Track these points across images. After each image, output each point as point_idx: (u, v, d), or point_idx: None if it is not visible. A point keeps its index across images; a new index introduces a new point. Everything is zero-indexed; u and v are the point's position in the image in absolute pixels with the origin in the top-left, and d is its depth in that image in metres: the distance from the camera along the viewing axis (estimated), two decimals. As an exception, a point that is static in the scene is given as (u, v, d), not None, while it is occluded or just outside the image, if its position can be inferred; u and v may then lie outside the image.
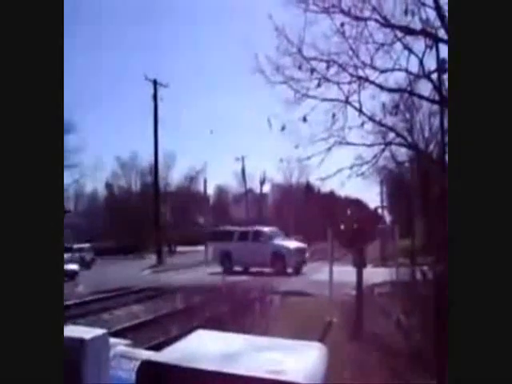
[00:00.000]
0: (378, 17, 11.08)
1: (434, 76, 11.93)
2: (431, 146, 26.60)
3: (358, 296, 10.69)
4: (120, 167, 61.73)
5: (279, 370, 1.81)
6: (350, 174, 12.57)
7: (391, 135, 14.47)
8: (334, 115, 11.62)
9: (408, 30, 10.82)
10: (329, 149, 12.05)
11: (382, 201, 43.99)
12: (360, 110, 12.02)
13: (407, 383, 6.75)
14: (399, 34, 11.14)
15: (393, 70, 11.74)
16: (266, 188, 71.31)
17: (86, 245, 40.11)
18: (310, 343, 2.28)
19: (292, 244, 27.57)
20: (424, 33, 10.53)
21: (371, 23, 11.21)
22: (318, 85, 11.53)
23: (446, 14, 9.07)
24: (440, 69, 11.65)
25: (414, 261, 14.52)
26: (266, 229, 29.87)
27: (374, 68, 11.63)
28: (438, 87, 11.79)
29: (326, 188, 55.47)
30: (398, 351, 7.75)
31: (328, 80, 11.69)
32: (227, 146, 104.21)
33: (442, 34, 10.51)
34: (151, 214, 44.44)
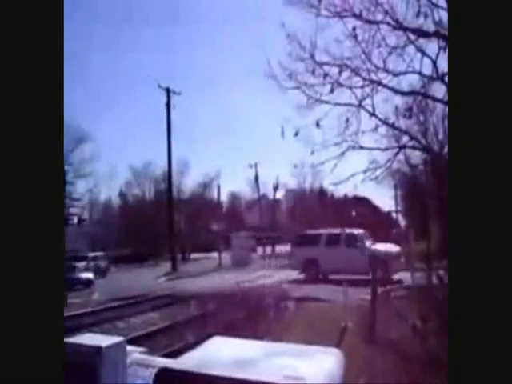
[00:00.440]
0: (390, 20, 11.04)
1: (448, 78, 11.83)
2: (445, 149, 26.38)
3: (373, 300, 10.61)
4: (134, 175, 62.24)
5: (297, 375, 1.79)
6: (364, 178, 12.47)
7: (405, 138, 14.38)
8: (347, 120, 11.57)
9: (421, 33, 10.75)
10: (342, 153, 11.98)
11: (396, 205, 43.76)
12: (373, 114, 11.96)
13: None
14: (412, 37, 11.07)
15: (406, 72, 11.67)
16: (280, 194, 71.38)
17: (101, 253, 40.35)
18: (326, 348, 2.25)
19: (392, 248, 24.26)
20: (437, 35, 10.44)
21: (383, 26, 11.18)
22: (331, 90, 11.49)
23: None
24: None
25: (429, 265, 14.39)
26: (358, 231, 25.68)
27: (386, 71, 11.58)
28: (451, 89, 11.65)
29: (339, 193, 55.43)
30: (414, 356, 7.66)
31: (341, 84, 11.65)
32: (240, 153, 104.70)
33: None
34: (165, 222, 44.60)
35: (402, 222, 48.81)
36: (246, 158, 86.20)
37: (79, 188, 43.79)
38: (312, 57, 11.80)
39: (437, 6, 10.18)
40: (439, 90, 12.95)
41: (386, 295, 14.12)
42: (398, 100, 12.51)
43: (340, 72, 11.66)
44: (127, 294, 21.06)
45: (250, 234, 46.57)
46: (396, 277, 21.22)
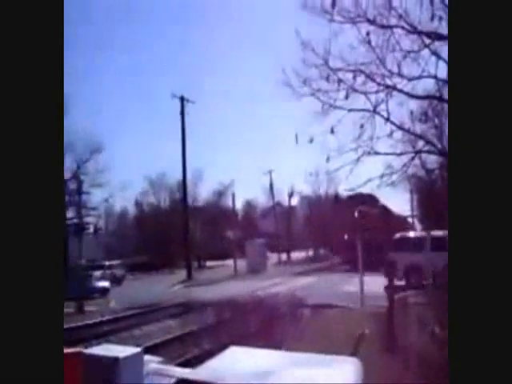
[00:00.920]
0: (404, 24, 10.98)
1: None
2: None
3: (390, 307, 10.49)
4: (149, 184, 62.60)
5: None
6: (380, 183, 12.36)
7: (420, 143, 14.24)
8: (362, 125, 11.50)
9: (436, 36, 10.66)
10: (357, 159, 11.90)
11: (412, 209, 43.40)
12: (388, 119, 11.87)
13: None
14: (427, 41, 11.00)
15: (420, 77, 11.58)
16: (295, 201, 71.26)
17: (117, 261, 40.59)
18: (344, 358, 2.21)
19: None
20: (452, 38, 10.35)
21: (397, 31, 11.12)
22: (346, 96, 11.44)
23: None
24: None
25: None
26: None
27: (401, 76, 11.50)
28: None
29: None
30: (433, 364, 7.54)
31: (355, 90, 11.60)
32: (255, 160, 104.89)
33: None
34: (180, 230, 44.74)
35: (419, 227, 48.34)
36: (261, 165, 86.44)
37: (95, 197, 44.05)
38: (326, 63, 11.77)
39: (451, 8, 10.08)
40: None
41: (403, 302, 13.95)
42: (413, 104, 12.43)
43: (354, 78, 11.63)
44: (143, 302, 21.12)
45: (265, 242, 46.51)
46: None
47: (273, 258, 52.90)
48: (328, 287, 24.26)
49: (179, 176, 45.88)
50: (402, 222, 44.41)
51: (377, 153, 12.16)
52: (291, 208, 69.77)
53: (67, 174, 42.95)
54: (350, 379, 2.00)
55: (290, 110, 23.31)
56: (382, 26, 11.13)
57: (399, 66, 11.40)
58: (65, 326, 14.95)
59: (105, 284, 29.07)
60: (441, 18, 10.09)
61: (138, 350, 2.33)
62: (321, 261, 51.10)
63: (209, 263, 56.02)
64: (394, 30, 11.12)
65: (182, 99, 40.85)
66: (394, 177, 12.63)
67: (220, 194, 62.60)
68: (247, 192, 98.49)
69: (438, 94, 12.54)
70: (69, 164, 43.42)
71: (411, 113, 12.03)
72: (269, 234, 58.40)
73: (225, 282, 31.65)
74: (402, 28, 11.11)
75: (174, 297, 23.41)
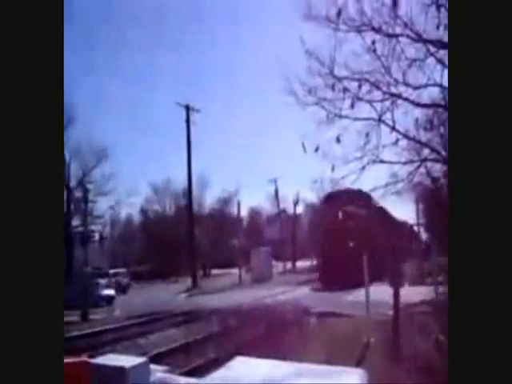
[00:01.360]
0: (409, 32, 10.98)
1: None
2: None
3: (395, 316, 10.44)
4: (154, 192, 62.73)
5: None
6: (385, 192, 12.33)
7: (426, 151, 14.21)
8: (367, 134, 11.49)
9: (441, 44, 10.66)
10: (363, 168, 11.88)
11: (417, 218, 43.14)
12: (393, 128, 11.86)
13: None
14: (432, 49, 10.99)
15: (426, 85, 11.57)
16: (300, 209, 71.20)
17: (122, 270, 40.60)
18: (351, 369, 2.20)
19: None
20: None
21: (403, 39, 11.13)
22: (352, 105, 11.44)
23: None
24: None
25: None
26: None
27: (406, 85, 11.49)
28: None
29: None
30: (437, 372, 7.49)
31: (360, 99, 11.60)
32: (260, 168, 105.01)
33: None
34: (185, 238, 44.75)
35: (424, 236, 48.06)
36: (266, 173, 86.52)
37: (101, 205, 44.20)
38: (331, 72, 11.78)
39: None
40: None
41: (408, 310, 13.86)
42: (419, 113, 12.42)
43: (359, 86, 11.62)
44: (148, 310, 21.08)
45: (270, 250, 46.40)
46: (418, 291, 20.89)
47: (278, 266, 52.77)
48: (333, 296, 24.16)
49: (184, 183, 46.06)
50: (402, 227, 40.53)
51: (382, 161, 12.15)
52: (296, 216, 69.70)
53: (73, 182, 43.16)
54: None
55: (296, 118, 23.23)
56: (388, 35, 11.14)
57: (404, 74, 11.40)
58: (69, 335, 14.96)
59: (110, 292, 29.08)
60: (446, 27, 10.10)
61: (144, 359, 2.33)
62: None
63: (214, 271, 55.95)
64: (400, 38, 11.13)
65: (188, 108, 41.03)
66: (400, 185, 12.60)
67: (225, 201, 62.65)
68: (252, 199, 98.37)
69: (443, 103, 12.53)
70: (75, 172, 43.67)
71: (416, 121, 12.02)
72: (274, 241, 58.29)
73: (230, 291, 31.57)
74: (407, 36, 11.12)
75: (179, 305, 23.37)
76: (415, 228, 45.60)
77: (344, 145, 11.60)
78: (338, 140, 11.25)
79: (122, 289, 35.03)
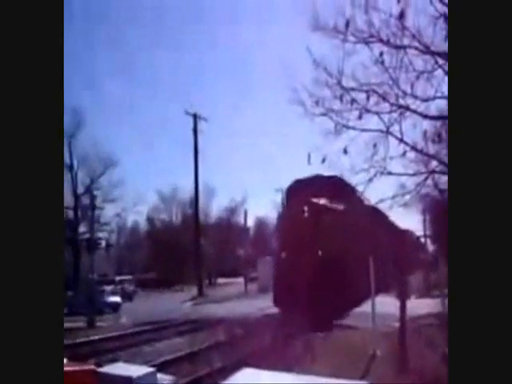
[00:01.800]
0: (417, 44, 10.97)
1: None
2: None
3: (402, 329, 10.40)
4: (161, 200, 62.87)
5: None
6: (392, 204, 12.27)
7: (434, 163, 14.17)
8: (374, 145, 11.46)
9: (449, 56, 10.66)
10: (370, 180, 11.84)
11: (424, 229, 42.96)
12: (401, 140, 11.83)
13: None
14: (440, 61, 10.98)
15: (434, 98, 11.55)
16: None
17: (128, 277, 40.65)
18: (356, 382, 2.20)
19: None
20: (466, 58, 10.35)
21: (411, 51, 11.11)
22: (359, 116, 11.43)
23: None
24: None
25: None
26: None
27: (415, 97, 11.47)
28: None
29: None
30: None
31: (368, 110, 11.59)
32: (267, 178, 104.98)
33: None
34: (191, 246, 44.76)
35: (431, 247, 47.84)
36: (273, 182, 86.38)
37: (107, 212, 44.35)
38: (339, 83, 11.79)
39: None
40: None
41: (415, 323, 13.77)
42: (427, 125, 12.38)
43: (367, 98, 11.61)
44: (154, 318, 21.08)
45: (277, 259, 46.14)
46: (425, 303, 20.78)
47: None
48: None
49: (191, 192, 46.15)
50: (404, 236, 32.80)
51: (390, 173, 12.11)
52: (303, 226, 69.39)
53: (80, 189, 43.37)
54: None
55: (303, 129, 23.24)
56: (395, 46, 11.15)
57: (412, 86, 11.38)
58: (76, 341, 14.99)
59: (116, 299, 29.12)
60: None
61: (152, 369, 2.35)
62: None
63: (220, 280, 55.85)
64: (408, 50, 11.13)
65: (195, 116, 41.21)
66: (407, 197, 12.55)
67: (232, 210, 62.67)
68: (259, 209, 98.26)
69: (451, 115, 12.51)
70: (82, 179, 43.90)
71: (424, 133, 11.97)
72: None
73: (235, 300, 31.48)
74: (416, 48, 11.12)
75: (184, 314, 23.35)
76: (421, 239, 45.47)
77: (351, 156, 11.59)
78: (345, 151, 11.23)
79: (127, 296, 35.07)
